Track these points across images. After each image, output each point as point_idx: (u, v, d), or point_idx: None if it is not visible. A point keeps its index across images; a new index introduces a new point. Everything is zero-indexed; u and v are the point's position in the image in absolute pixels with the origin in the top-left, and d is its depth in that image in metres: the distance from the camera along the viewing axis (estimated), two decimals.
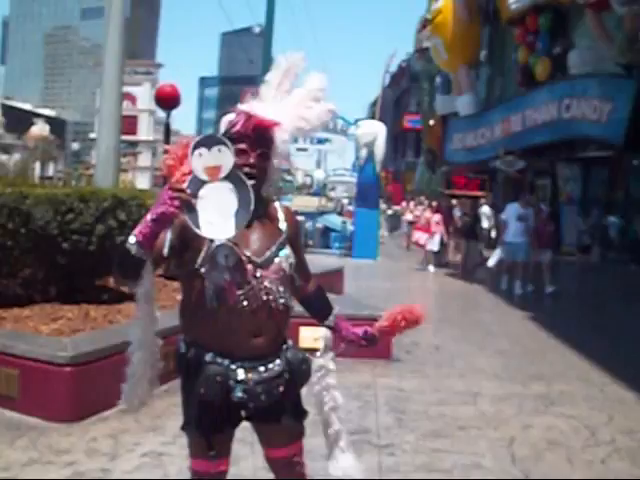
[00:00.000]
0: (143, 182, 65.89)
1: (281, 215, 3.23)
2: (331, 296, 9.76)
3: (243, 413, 3.12)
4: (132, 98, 76.94)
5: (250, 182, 2.93)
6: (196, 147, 2.79)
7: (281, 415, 3.19)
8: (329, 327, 3.47)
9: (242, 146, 3.03)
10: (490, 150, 30.66)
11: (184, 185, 2.74)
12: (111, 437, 5.70)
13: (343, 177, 56.38)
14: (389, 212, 42.43)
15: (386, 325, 3.50)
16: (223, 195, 2.81)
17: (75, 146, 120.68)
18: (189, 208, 2.74)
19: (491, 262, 18.59)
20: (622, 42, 20.29)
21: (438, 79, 42.76)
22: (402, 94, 71.22)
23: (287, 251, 3.15)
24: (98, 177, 12.51)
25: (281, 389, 3.12)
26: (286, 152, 3.20)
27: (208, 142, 2.81)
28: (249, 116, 3.08)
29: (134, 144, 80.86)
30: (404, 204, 33.99)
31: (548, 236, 17.20)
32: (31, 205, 7.84)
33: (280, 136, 3.11)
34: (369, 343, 3.49)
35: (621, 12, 20.24)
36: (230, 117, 3.27)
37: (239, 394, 3.02)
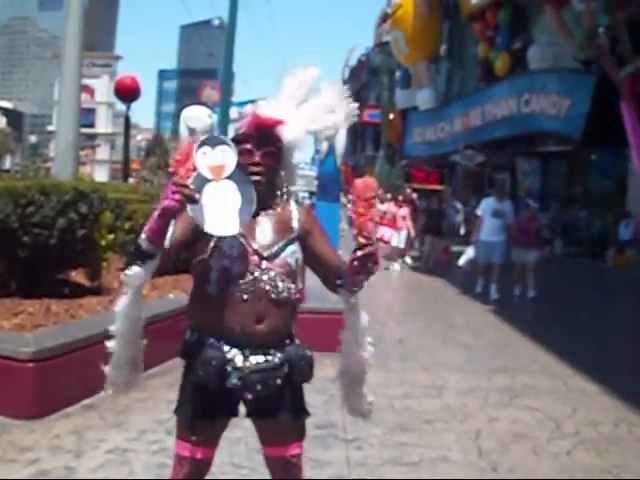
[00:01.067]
0: (101, 175, 65.51)
1: (295, 214, 3.25)
2: None
3: (240, 407, 3.17)
4: (90, 91, 76.34)
5: (256, 178, 3.05)
6: (200, 146, 2.88)
7: (279, 411, 3.18)
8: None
9: (247, 146, 3.10)
10: (450, 144, 30.89)
11: (188, 181, 2.81)
12: (75, 434, 5.62)
13: (302, 170, 56.34)
14: (349, 206, 42.44)
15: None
16: (226, 193, 2.90)
17: (33, 139, 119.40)
18: (193, 203, 2.81)
19: (461, 261, 16.72)
20: (581, 38, 20.49)
21: (398, 73, 43.02)
22: (362, 88, 71.30)
23: (294, 248, 3.18)
24: (57, 170, 12.39)
25: (278, 381, 3.12)
26: (295, 149, 3.25)
27: (212, 142, 2.91)
28: (253, 116, 3.14)
29: (92, 137, 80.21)
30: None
31: (534, 234, 15.56)
32: None
33: (288, 133, 3.15)
34: (364, 264, 2.97)
35: (580, 8, 20.46)
36: (190, 112, 3.35)
37: (234, 381, 3.05)
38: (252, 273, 3.04)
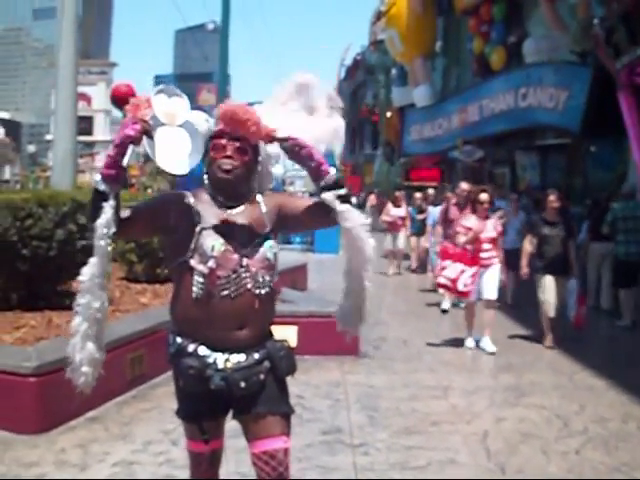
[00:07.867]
0: None
1: (263, 208, 3.30)
2: (295, 292, 9.61)
3: (228, 402, 3.25)
4: (87, 98, 76.42)
5: (226, 167, 3.14)
6: (158, 93, 3.13)
7: (263, 404, 3.21)
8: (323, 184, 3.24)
9: (222, 141, 3.18)
10: (448, 140, 30.81)
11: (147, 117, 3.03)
12: (80, 447, 5.58)
13: (302, 171, 56.25)
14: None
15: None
16: (178, 138, 3.12)
17: (31, 148, 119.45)
18: (149, 137, 3.05)
19: None
20: (576, 30, 20.42)
21: (394, 71, 42.97)
22: (358, 87, 71.17)
23: (271, 242, 3.25)
24: (55, 179, 12.36)
25: (261, 377, 3.19)
26: (266, 150, 3.34)
27: (168, 91, 3.16)
28: (226, 109, 3.17)
29: (91, 144, 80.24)
30: (372, 197, 31.73)
31: None
32: None
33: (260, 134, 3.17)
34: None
35: (574, 0, 20.40)
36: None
37: (217, 381, 3.12)
38: (235, 271, 3.11)
